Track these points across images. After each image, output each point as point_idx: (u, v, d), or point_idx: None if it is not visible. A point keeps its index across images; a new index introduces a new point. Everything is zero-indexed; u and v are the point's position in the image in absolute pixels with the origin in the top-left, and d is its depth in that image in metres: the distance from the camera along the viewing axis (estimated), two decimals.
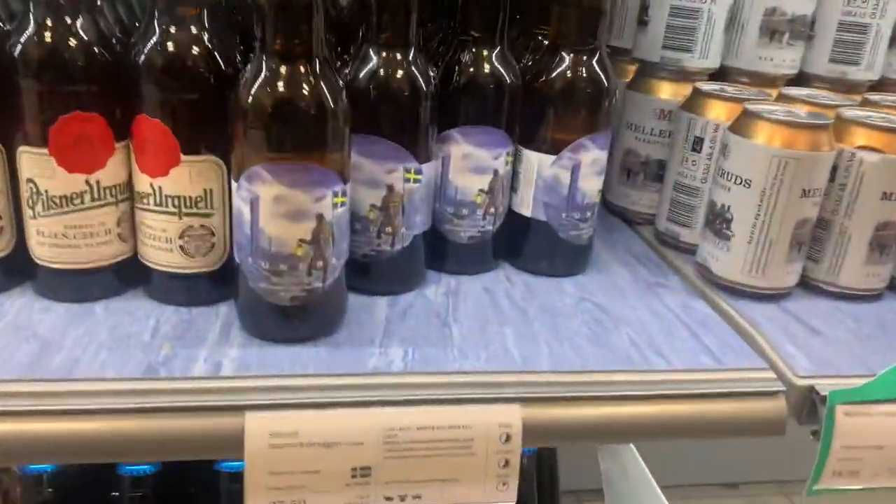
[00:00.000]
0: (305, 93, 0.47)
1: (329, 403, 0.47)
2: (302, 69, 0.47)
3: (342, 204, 0.50)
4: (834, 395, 0.51)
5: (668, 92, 0.75)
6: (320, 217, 0.49)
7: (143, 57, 0.50)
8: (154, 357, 0.49)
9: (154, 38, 0.50)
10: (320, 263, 0.50)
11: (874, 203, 0.62)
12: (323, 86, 0.47)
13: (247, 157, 0.48)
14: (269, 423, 0.46)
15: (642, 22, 0.75)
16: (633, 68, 0.81)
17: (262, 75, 0.47)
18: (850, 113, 0.64)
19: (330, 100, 0.47)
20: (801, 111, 0.63)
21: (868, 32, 0.75)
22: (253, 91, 0.47)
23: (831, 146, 0.60)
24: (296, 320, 0.52)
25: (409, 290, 0.61)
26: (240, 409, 0.46)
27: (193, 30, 0.50)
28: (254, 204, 0.48)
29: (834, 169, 0.63)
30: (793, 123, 0.59)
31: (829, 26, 0.76)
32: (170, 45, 0.50)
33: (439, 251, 0.64)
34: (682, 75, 0.74)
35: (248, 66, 0.48)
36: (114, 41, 0.52)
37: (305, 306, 0.51)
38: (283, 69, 0.47)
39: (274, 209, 0.48)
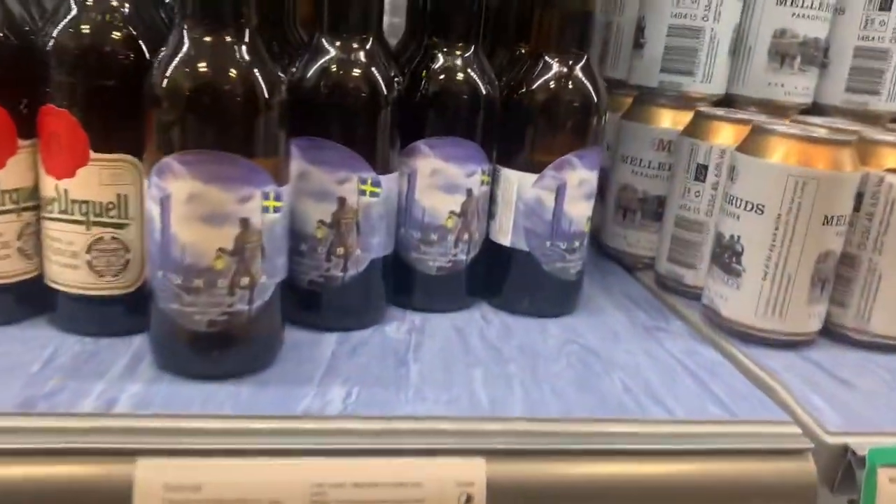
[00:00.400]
0: (225, 67, 0.39)
1: (241, 451, 0.38)
2: (227, 39, 0.39)
3: (276, 209, 0.42)
4: (874, 455, 0.42)
5: (667, 120, 0.68)
6: (245, 222, 0.41)
7: (52, 36, 0.43)
8: (37, 390, 0.40)
9: (66, 15, 0.43)
10: (245, 280, 0.42)
11: None
12: (249, 61, 0.40)
13: (158, 148, 0.40)
14: (166, 473, 0.37)
15: (638, 45, 0.69)
16: (630, 101, 0.73)
17: (177, 47, 0.39)
18: (875, 133, 0.56)
19: (259, 78, 0.40)
20: (820, 128, 0.56)
21: (888, 58, 0.68)
22: (163, 65, 0.39)
23: (855, 167, 0.52)
24: (214, 350, 0.42)
25: (365, 327, 0.52)
26: (130, 454, 0.37)
27: (113, 3, 0.43)
28: (164, 204, 0.40)
29: (859, 196, 0.54)
30: (811, 139, 0.52)
31: (845, 52, 0.69)
32: (81, 22, 0.43)
33: (404, 283, 0.55)
34: (682, 102, 0.67)
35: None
36: (22, 23, 0.45)
37: (227, 333, 0.42)
38: (202, 39, 0.39)
39: (188, 210, 0.40)
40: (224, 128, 0.39)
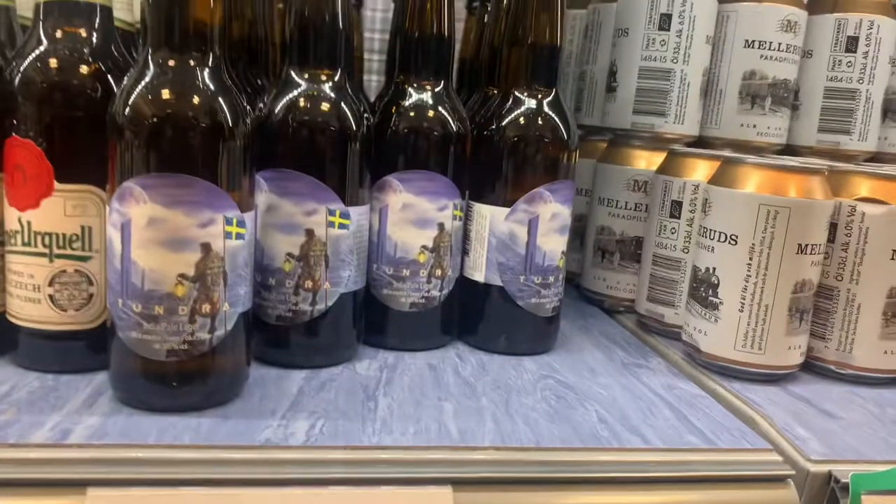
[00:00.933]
0: (186, 90, 0.39)
1: (196, 481, 0.36)
2: (191, 63, 0.40)
3: (239, 235, 0.41)
4: (858, 481, 0.40)
5: (641, 161, 0.68)
6: (206, 247, 0.40)
7: (20, 70, 0.43)
8: None
9: (34, 48, 0.44)
10: (207, 308, 0.41)
11: (883, 263, 0.53)
12: (211, 85, 0.40)
13: (119, 173, 0.39)
14: (116, 503, 0.35)
15: (611, 88, 0.70)
16: (605, 146, 0.74)
17: (141, 71, 0.40)
18: (847, 164, 0.57)
19: (221, 100, 0.40)
20: (791, 160, 0.56)
21: (857, 98, 0.69)
22: (125, 89, 0.39)
23: (826, 195, 0.52)
24: (174, 381, 0.41)
25: (335, 364, 0.51)
26: (80, 484, 0.35)
27: (82, 34, 0.44)
28: (125, 229, 0.39)
29: (833, 227, 0.54)
30: (781, 167, 0.52)
31: (815, 93, 0.70)
32: (49, 53, 0.43)
33: (376, 321, 0.54)
34: (655, 143, 0.68)
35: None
36: None
37: (187, 363, 0.41)
38: (167, 62, 0.39)
39: (148, 235, 0.39)
40: (184, 151, 0.39)
